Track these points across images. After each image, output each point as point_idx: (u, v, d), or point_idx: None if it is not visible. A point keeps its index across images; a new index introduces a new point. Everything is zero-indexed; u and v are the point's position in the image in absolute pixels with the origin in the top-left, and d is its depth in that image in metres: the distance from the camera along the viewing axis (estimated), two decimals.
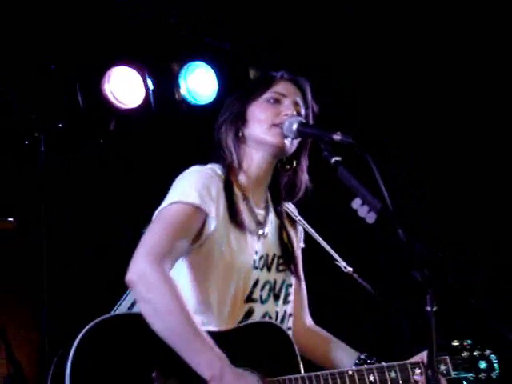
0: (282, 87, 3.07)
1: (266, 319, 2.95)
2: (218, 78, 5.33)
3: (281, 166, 3.11)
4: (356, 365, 3.04)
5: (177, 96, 5.33)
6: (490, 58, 5.20)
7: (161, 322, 2.64)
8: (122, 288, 3.00)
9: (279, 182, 3.12)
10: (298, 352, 2.86)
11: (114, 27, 5.10)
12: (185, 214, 2.79)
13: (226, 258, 2.88)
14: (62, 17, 4.89)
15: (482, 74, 5.25)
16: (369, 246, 5.51)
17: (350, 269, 3.17)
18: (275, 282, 3.02)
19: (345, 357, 3.13)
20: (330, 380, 2.80)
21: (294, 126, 2.95)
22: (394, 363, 2.87)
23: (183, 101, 5.34)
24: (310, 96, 3.12)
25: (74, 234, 5.29)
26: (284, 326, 2.95)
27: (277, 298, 3.01)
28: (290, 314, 3.06)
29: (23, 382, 4.51)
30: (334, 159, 2.76)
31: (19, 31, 4.85)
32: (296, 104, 3.06)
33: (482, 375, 2.94)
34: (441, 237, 5.27)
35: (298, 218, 3.20)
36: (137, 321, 2.65)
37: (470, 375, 2.94)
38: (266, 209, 3.09)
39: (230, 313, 2.88)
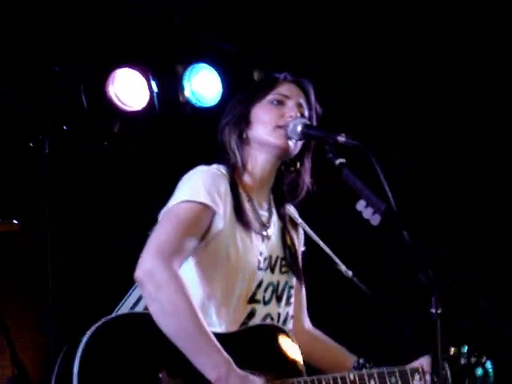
0: (285, 89, 3.07)
1: (268, 321, 2.95)
2: (222, 80, 5.34)
3: (284, 167, 3.11)
4: (354, 369, 3.05)
5: (181, 98, 5.34)
6: (490, 58, 5.20)
7: (169, 322, 2.63)
8: (126, 289, 3.01)
9: (282, 183, 3.12)
10: (301, 355, 2.86)
11: (118, 29, 5.10)
12: (194, 212, 2.79)
13: (231, 258, 2.88)
14: (66, 19, 4.90)
15: (481, 74, 5.26)
16: (371, 248, 5.51)
17: (350, 273, 3.16)
18: (278, 283, 3.02)
19: (343, 360, 3.14)
20: None
21: (299, 128, 2.95)
22: (395, 368, 2.86)
23: (187, 103, 5.35)
24: (313, 97, 3.12)
25: (79, 236, 5.29)
26: (286, 328, 2.95)
27: (279, 299, 3.02)
28: (292, 316, 3.07)
29: (27, 383, 4.51)
30: (338, 161, 2.76)
31: (23, 33, 4.86)
32: (299, 105, 3.06)
33: (479, 382, 2.94)
34: (441, 237, 5.27)
35: (300, 220, 3.20)
36: (145, 320, 2.64)
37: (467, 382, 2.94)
38: (269, 211, 3.09)
39: (233, 313, 2.89)
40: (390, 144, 5.40)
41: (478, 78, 5.27)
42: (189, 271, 2.85)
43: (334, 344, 3.22)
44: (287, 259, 3.08)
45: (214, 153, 3.10)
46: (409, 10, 5.08)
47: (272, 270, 3.02)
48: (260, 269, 2.96)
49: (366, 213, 2.62)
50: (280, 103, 3.04)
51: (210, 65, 5.36)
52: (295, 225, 3.20)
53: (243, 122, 3.04)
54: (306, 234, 3.22)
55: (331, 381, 2.80)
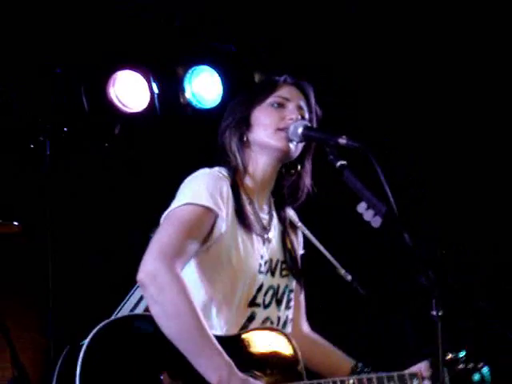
0: (285, 91, 3.07)
1: (268, 324, 2.95)
2: (222, 82, 5.34)
3: (285, 170, 3.11)
4: (353, 373, 3.05)
5: (182, 100, 5.34)
6: (490, 58, 5.21)
7: (170, 325, 2.63)
8: (127, 290, 3.01)
9: (282, 186, 3.12)
10: (301, 359, 2.86)
11: (119, 31, 5.11)
12: (196, 215, 2.78)
13: (233, 261, 2.88)
14: (67, 21, 4.90)
15: (481, 74, 5.26)
16: (371, 250, 5.51)
17: (349, 276, 3.16)
18: (278, 287, 3.02)
19: (341, 364, 3.14)
20: None
21: (300, 130, 2.95)
22: (393, 373, 2.86)
23: (188, 104, 5.35)
24: (313, 100, 3.12)
25: (79, 237, 5.30)
26: (286, 332, 2.95)
27: (279, 303, 3.01)
28: (291, 320, 3.07)
29: None
30: (339, 163, 2.76)
31: (25, 35, 4.86)
32: (300, 108, 3.05)
33: None
34: (441, 237, 5.27)
35: (299, 223, 3.20)
36: (146, 322, 2.64)
37: None
38: (270, 214, 3.09)
39: (233, 316, 2.88)
40: (389, 144, 5.40)
41: (478, 77, 5.27)
42: (190, 274, 2.85)
43: (332, 348, 3.22)
44: (287, 263, 3.07)
45: (215, 154, 3.10)
46: (409, 10, 5.08)
47: (272, 274, 3.02)
48: (261, 272, 2.96)
49: (367, 215, 2.62)
50: (280, 106, 3.04)
51: (211, 66, 5.36)
52: (295, 228, 3.20)
53: (244, 124, 3.04)
54: (305, 237, 3.22)
55: None
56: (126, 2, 5.05)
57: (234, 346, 2.73)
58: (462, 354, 2.94)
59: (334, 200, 4.37)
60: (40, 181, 5.08)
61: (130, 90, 5.21)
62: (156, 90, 5.26)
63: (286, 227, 3.14)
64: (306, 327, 3.25)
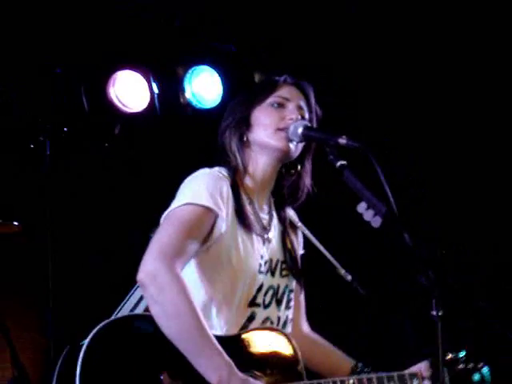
0: (285, 91, 3.07)
1: (268, 324, 2.95)
2: (222, 82, 5.34)
3: (285, 170, 3.11)
4: (353, 373, 3.05)
5: (182, 100, 5.34)
6: (490, 58, 5.21)
7: (170, 325, 2.62)
8: (126, 290, 3.01)
9: (282, 186, 3.12)
10: (301, 359, 2.87)
11: (119, 31, 5.11)
12: (196, 215, 2.78)
13: (233, 261, 2.88)
14: (67, 21, 4.90)
15: (481, 74, 5.26)
16: (371, 250, 5.51)
17: (349, 276, 3.16)
18: (278, 286, 3.02)
19: (341, 365, 3.14)
20: None
21: (300, 130, 2.95)
22: (393, 373, 2.87)
23: (188, 104, 5.35)
24: (313, 100, 3.12)
25: (79, 237, 5.30)
26: (286, 332, 2.95)
27: (279, 303, 3.01)
28: (291, 320, 3.07)
29: None
30: (339, 163, 2.76)
31: (25, 35, 4.86)
32: (300, 108, 3.05)
33: None
34: (441, 237, 5.27)
35: (299, 223, 3.20)
36: (146, 322, 2.64)
37: None
38: (270, 214, 3.09)
39: (233, 316, 2.88)
40: (390, 144, 5.40)
41: (478, 77, 5.27)
42: (190, 274, 2.85)
43: (332, 348, 3.22)
44: (287, 263, 3.07)
45: (215, 154, 3.10)
46: (409, 10, 5.08)
47: (272, 274, 3.01)
48: (261, 272, 2.96)
49: (367, 215, 2.62)
50: (280, 106, 3.03)
51: (211, 66, 5.36)
52: (295, 228, 3.19)
53: (244, 124, 3.04)
54: (305, 237, 3.21)
55: None
56: (126, 2, 5.05)
57: (234, 345, 2.73)
58: (462, 354, 2.94)
59: (334, 200, 4.37)
60: (40, 181, 5.08)
61: (130, 90, 5.21)
62: (156, 90, 5.26)
63: (286, 227, 3.13)
64: (305, 327, 3.25)
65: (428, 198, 5.55)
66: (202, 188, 2.82)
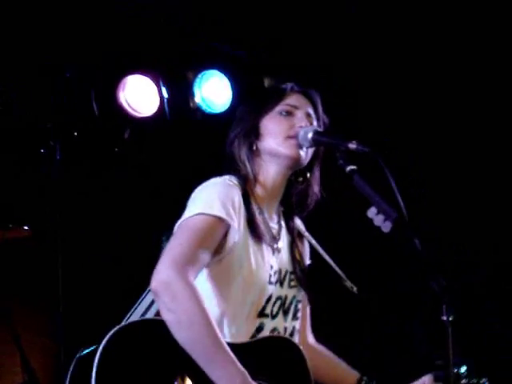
0: (293, 99, 3.06)
1: (275, 334, 2.95)
2: (232, 87, 5.35)
3: (294, 178, 3.10)
4: None
5: (191, 104, 5.34)
6: (490, 58, 5.20)
7: (184, 333, 2.62)
8: (137, 294, 3.01)
9: (291, 194, 3.11)
10: (310, 368, 2.87)
11: (129, 35, 5.11)
12: (209, 225, 2.77)
13: (244, 272, 2.87)
14: (77, 25, 4.91)
15: (482, 74, 5.26)
16: (379, 258, 5.51)
17: (355, 288, 3.14)
18: (286, 297, 3.01)
19: (346, 377, 3.15)
20: None
21: (310, 135, 2.94)
22: None
23: (198, 109, 5.35)
24: (320, 107, 3.12)
25: (89, 242, 5.30)
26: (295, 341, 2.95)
27: (286, 313, 3.00)
28: (298, 331, 3.06)
29: None
30: (349, 168, 2.76)
31: (35, 39, 4.88)
32: (308, 115, 3.05)
33: None
34: (441, 237, 5.26)
35: (306, 233, 3.20)
36: (161, 327, 2.64)
37: None
38: (279, 223, 3.08)
39: (243, 327, 2.87)
40: (390, 144, 5.39)
41: (478, 77, 5.27)
42: (202, 284, 2.83)
43: (337, 360, 3.21)
44: (296, 273, 3.06)
45: (224, 162, 3.09)
46: (409, 10, 5.08)
47: (281, 284, 3.00)
48: (270, 283, 2.95)
49: (377, 220, 2.62)
50: (289, 114, 3.03)
51: (221, 71, 5.37)
52: (302, 238, 3.19)
53: (253, 134, 3.03)
54: (311, 246, 3.20)
55: None
56: (137, 6, 5.06)
57: (245, 353, 2.72)
58: (464, 369, 2.93)
59: (342, 206, 4.36)
60: (50, 185, 5.08)
61: (140, 95, 5.21)
62: (166, 95, 5.26)
63: (295, 237, 3.13)
64: (311, 338, 3.25)
65: (428, 198, 5.54)
66: (214, 198, 2.81)
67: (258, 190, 3.02)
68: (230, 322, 2.85)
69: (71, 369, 2.68)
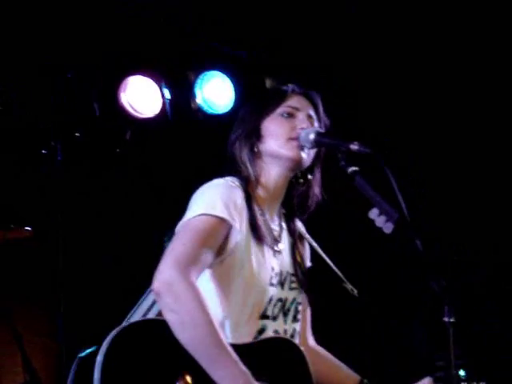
0: (294, 101, 3.06)
1: (277, 335, 2.95)
2: (234, 87, 5.35)
3: (295, 179, 3.10)
4: None
5: (193, 105, 5.35)
6: (490, 58, 5.21)
7: (187, 334, 2.61)
8: (138, 294, 3.01)
9: (292, 196, 3.11)
10: (311, 369, 2.88)
11: (130, 36, 5.12)
12: (211, 225, 2.77)
13: (246, 274, 2.87)
14: (78, 26, 4.92)
15: (482, 74, 5.26)
16: (381, 258, 5.51)
17: (356, 290, 3.14)
18: (286, 299, 3.01)
19: (346, 379, 3.15)
20: None
21: (311, 136, 2.94)
22: None
23: (199, 110, 5.36)
24: (321, 109, 3.12)
25: (90, 242, 5.31)
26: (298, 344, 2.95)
27: (286, 315, 3.00)
28: (299, 333, 3.06)
29: None
30: (351, 169, 2.76)
31: (35, 40, 4.88)
32: (309, 117, 3.05)
33: None
34: (441, 237, 5.27)
35: (307, 235, 3.20)
36: (163, 327, 2.64)
37: None
38: (280, 225, 3.08)
39: (245, 329, 2.87)
40: (390, 144, 5.39)
41: (478, 77, 5.27)
42: (204, 285, 2.82)
43: (338, 362, 3.21)
44: (297, 276, 3.06)
45: (225, 163, 3.09)
46: (409, 10, 5.08)
47: (282, 286, 3.00)
48: (272, 285, 2.95)
49: (379, 221, 2.62)
50: (290, 116, 3.03)
51: (222, 72, 5.37)
52: (302, 240, 3.19)
53: (254, 135, 3.03)
54: (311, 249, 3.20)
55: None
56: (138, 7, 5.06)
57: (248, 354, 2.72)
58: (463, 373, 2.93)
59: (343, 207, 4.37)
60: (51, 185, 5.09)
61: (142, 96, 5.22)
62: (167, 96, 5.26)
63: (296, 239, 3.13)
64: (311, 341, 3.24)
65: (428, 198, 5.55)
66: (216, 198, 2.81)
67: (260, 192, 3.02)
68: (231, 324, 2.84)
69: (73, 370, 2.68)
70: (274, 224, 3.05)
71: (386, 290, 5.65)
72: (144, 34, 5.14)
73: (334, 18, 5.18)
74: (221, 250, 2.83)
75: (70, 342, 4.75)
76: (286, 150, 2.97)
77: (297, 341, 3.02)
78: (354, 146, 2.78)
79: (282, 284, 3.00)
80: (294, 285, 3.05)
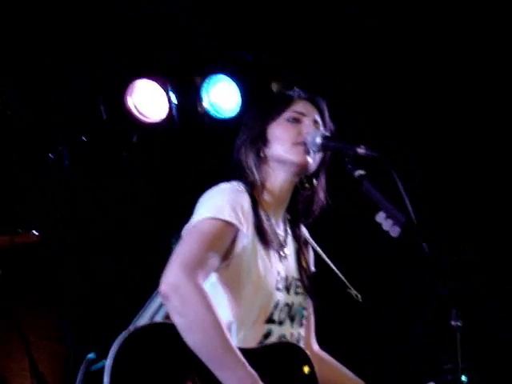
0: (300, 106, 3.07)
1: (283, 340, 2.95)
2: (240, 92, 5.35)
3: (300, 185, 3.10)
4: None
5: (199, 109, 5.35)
6: (490, 58, 5.20)
7: (194, 337, 2.62)
8: (144, 298, 3.01)
9: (297, 201, 3.11)
10: (318, 374, 2.88)
11: (138, 41, 5.13)
12: (218, 229, 2.77)
13: (253, 278, 2.87)
14: (86, 31, 4.93)
15: (482, 74, 5.26)
16: (388, 261, 5.51)
17: (360, 296, 3.14)
18: (292, 304, 3.01)
19: None
20: None
21: (318, 140, 2.95)
22: None
23: (206, 114, 5.36)
24: (327, 114, 3.12)
25: (98, 247, 5.31)
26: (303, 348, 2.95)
27: (292, 320, 3.00)
28: (303, 337, 3.06)
29: None
30: (357, 173, 2.76)
31: (43, 45, 4.89)
32: (315, 122, 3.05)
33: None
34: (441, 237, 5.26)
35: (311, 241, 3.20)
36: (171, 330, 2.64)
37: None
38: (285, 230, 3.09)
39: (251, 333, 2.87)
40: (390, 144, 5.39)
41: (478, 77, 5.27)
42: (210, 289, 2.82)
43: (341, 368, 3.21)
44: (302, 281, 3.07)
45: (231, 168, 3.09)
46: (409, 10, 5.08)
47: (287, 291, 3.01)
48: (278, 289, 2.95)
49: (386, 224, 2.62)
50: (297, 121, 3.03)
51: (229, 76, 5.38)
52: (307, 245, 3.19)
53: (260, 140, 3.03)
54: (315, 254, 3.20)
55: None
56: (145, 11, 5.07)
57: (255, 358, 2.72)
58: (465, 378, 2.93)
59: (348, 211, 4.36)
60: (58, 190, 5.09)
61: (148, 100, 5.22)
62: (174, 100, 5.27)
63: (301, 245, 3.13)
64: (315, 346, 3.25)
65: (428, 198, 5.54)
66: (223, 202, 2.82)
67: (266, 197, 3.02)
68: (238, 327, 2.85)
69: (81, 375, 2.68)
70: (280, 229, 3.05)
71: (391, 294, 5.64)
72: (151, 38, 5.15)
73: (334, 18, 5.18)
74: (227, 254, 2.83)
75: (77, 347, 4.76)
76: (292, 155, 2.98)
77: (302, 345, 3.02)
78: (361, 150, 2.79)
79: (287, 289, 3.00)
80: (299, 290, 3.05)
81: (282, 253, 3.01)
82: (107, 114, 5.14)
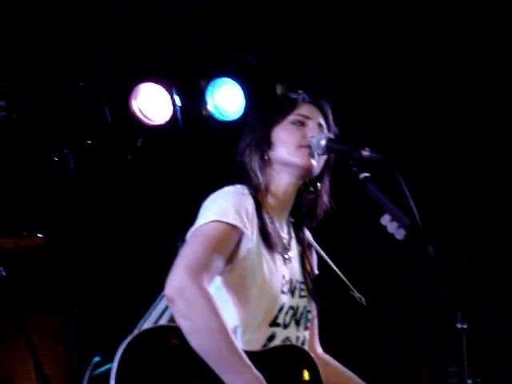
0: (305, 110, 3.06)
1: (288, 343, 2.95)
2: (244, 94, 5.35)
3: (304, 188, 3.10)
4: None
5: (204, 112, 5.36)
6: (490, 58, 5.20)
7: (200, 339, 2.62)
8: (149, 302, 3.01)
9: (301, 204, 3.11)
10: (323, 377, 2.88)
11: (142, 44, 5.14)
12: (223, 232, 2.77)
13: (258, 281, 2.87)
14: (91, 34, 4.94)
15: (482, 74, 5.25)
16: (392, 263, 5.50)
17: (363, 298, 3.14)
18: (297, 307, 3.01)
19: None
20: None
21: (323, 142, 2.95)
22: None
23: (210, 117, 5.36)
24: (331, 117, 3.12)
25: (102, 249, 5.32)
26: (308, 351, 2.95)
27: (298, 323, 3.00)
28: (308, 341, 3.06)
29: None
30: (362, 175, 2.76)
31: (48, 48, 4.90)
32: (320, 126, 3.05)
33: None
34: (441, 237, 5.25)
35: (315, 244, 3.19)
36: (176, 334, 2.64)
37: None
38: (289, 234, 3.09)
39: (255, 336, 2.87)
40: (390, 144, 5.38)
41: (478, 77, 5.27)
42: (215, 293, 2.82)
43: (345, 371, 3.21)
44: (306, 284, 3.07)
45: (234, 171, 3.09)
46: (409, 10, 5.08)
47: (292, 294, 3.00)
48: (283, 292, 2.95)
49: (391, 227, 2.62)
50: (301, 124, 3.03)
51: (233, 79, 5.38)
52: (310, 248, 3.19)
53: (264, 143, 3.03)
54: (319, 257, 3.20)
55: None
56: (149, 15, 5.08)
57: (259, 361, 2.72)
58: (470, 382, 2.92)
59: (352, 214, 4.36)
60: (63, 193, 5.10)
61: (153, 103, 5.23)
62: (178, 103, 5.27)
63: (305, 248, 3.13)
64: (319, 349, 3.25)
65: (428, 199, 5.53)
66: (228, 206, 2.81)
67: (269, 200, 3.02)
68: (243, 331, 2.84)
69: (87, 378, 2.68)
70: (284, 232, 3.05)
71: (395, 296, 5.64)
72: (156, 41, 5.16)
73: (335, 18, 5.19)
74: (232, 257, 2.83)
75: (82, 350, 4.76)
76: (297, 158, 2.97)
77: (306, 348, 3.02)
78: (366, 152, 2.78)
79: (292, 292, 3.00)
80: (303, 293, 3.05)
81: (286, 256, 3.01)
82: (112, 116, 5.15)
